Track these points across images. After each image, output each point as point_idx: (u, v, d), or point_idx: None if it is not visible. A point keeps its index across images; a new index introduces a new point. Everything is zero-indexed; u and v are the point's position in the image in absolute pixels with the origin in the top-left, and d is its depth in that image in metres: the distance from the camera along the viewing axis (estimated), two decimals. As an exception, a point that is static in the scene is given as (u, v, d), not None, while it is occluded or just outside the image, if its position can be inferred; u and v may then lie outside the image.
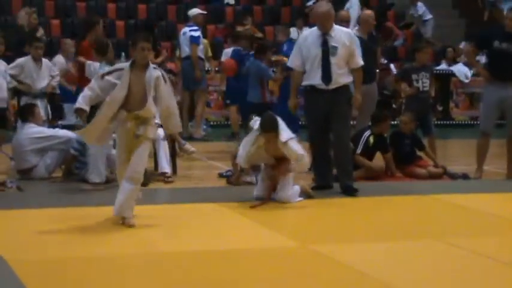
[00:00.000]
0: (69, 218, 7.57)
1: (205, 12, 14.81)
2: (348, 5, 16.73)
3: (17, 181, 9.16)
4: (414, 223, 7.70)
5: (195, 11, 14.42)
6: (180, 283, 5.66)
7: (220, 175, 10.10)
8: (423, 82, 10.96)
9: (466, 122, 17.34)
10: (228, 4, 18.93)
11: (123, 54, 14.78)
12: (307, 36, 9.08)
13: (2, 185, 8.92)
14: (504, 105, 10.09)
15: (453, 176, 10.38)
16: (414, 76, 10.95)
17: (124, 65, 7.26)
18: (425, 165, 10.54)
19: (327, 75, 8.76)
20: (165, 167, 9.75)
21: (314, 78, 8.82)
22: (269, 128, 8.25)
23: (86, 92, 7.21)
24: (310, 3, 18.66)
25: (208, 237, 6.89)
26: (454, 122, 17.12)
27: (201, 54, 14.10)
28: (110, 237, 6.79)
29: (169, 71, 14.56)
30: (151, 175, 9.75)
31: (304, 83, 8.99)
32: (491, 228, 7.54)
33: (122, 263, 6.09)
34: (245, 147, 8.40)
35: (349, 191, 8.76)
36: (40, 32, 14.76)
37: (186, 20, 14.92)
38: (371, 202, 8.58)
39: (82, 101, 7.19)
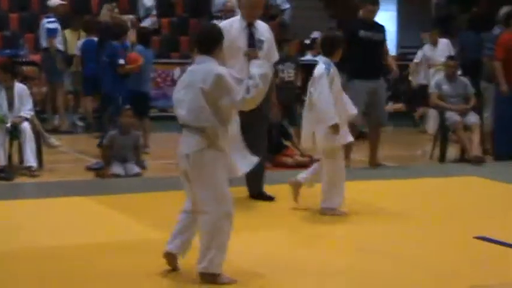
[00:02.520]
0: None
1: (65, 2, 14.47)
2: None
3: None
4: (284, 211, 7.82)
5: (55, 2, 14.01)
6: (50, 278, 5.57)
7: (89, 168, 9.97)
8: (288, 73, 11.13)
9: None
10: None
11: None
12: (229, 27, 7.91)
13: None
14: (371, 97, 10.32)
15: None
16: (280, 67, 11.10)
17: None
18: (292, 154, 10.71)
19: None
20: (31, 160, 9.58)
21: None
22: None
23: None
24: None
25: (77, 231, 6.82)
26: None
27: (59, 46, 13.86)
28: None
29: (32, 63, 14.37)
30: (17, 169, 9.57)
31: None
32: (357, 215, 7.72)
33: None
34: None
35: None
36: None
37: (45, 11, 14.55)
38: (242, 192, 8.63)
39: None
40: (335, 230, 7.09)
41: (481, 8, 18.91)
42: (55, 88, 13.92)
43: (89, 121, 14.03)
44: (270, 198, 8.24)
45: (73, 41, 14.36)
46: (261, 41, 8.02)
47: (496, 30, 12.38)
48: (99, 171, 9.62)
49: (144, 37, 12.15)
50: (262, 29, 8.16)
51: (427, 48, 14.32)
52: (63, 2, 14.31)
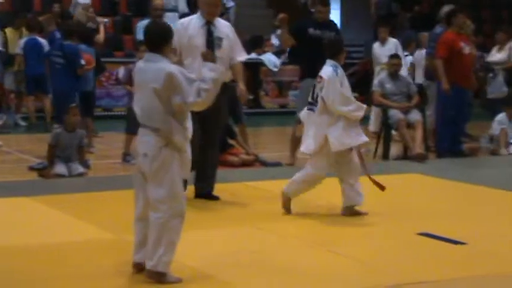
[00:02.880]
0: None
1: (2, 1, 14.38)
2: None
3: None
4: (230, 210, 7.83)
5: None
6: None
7: (32, 168, 9.85)
8: (232, 71, 11.12)
9: (275, 110, 17.76)
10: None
11: None
12: (187, 25, 7.94)
13: None
14: None
15: (265, 163, 10.62)
16: (224, 65, 11.08)
17: None
18: (237, 153, 10.72)
19: None
20: (-28, 161, 9.45)
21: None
22: None
23: None
24: None
25: (25, 232, 6.74)
26: (264, 110, 17.49)
27: None
28: None
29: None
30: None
31: None
32: (303, 211, 7.76)
33: None
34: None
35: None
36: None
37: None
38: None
39: None
40: (282, 227, 7.11)
41: (423, 7, 19.17)
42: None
43: (32, 121, 13.90)
44: (215, 198, 8.23)
45: (14, 40, 14.21)
46: (220, 39, 7.93)
47: (438, 29, 12.54)
48: (42, 171, 9.52)
49: (87, 36, 12.08)
50: (222, 27, 8.08)
51: (376, 46, 14.34)
52: (1, 1, 14.20)
